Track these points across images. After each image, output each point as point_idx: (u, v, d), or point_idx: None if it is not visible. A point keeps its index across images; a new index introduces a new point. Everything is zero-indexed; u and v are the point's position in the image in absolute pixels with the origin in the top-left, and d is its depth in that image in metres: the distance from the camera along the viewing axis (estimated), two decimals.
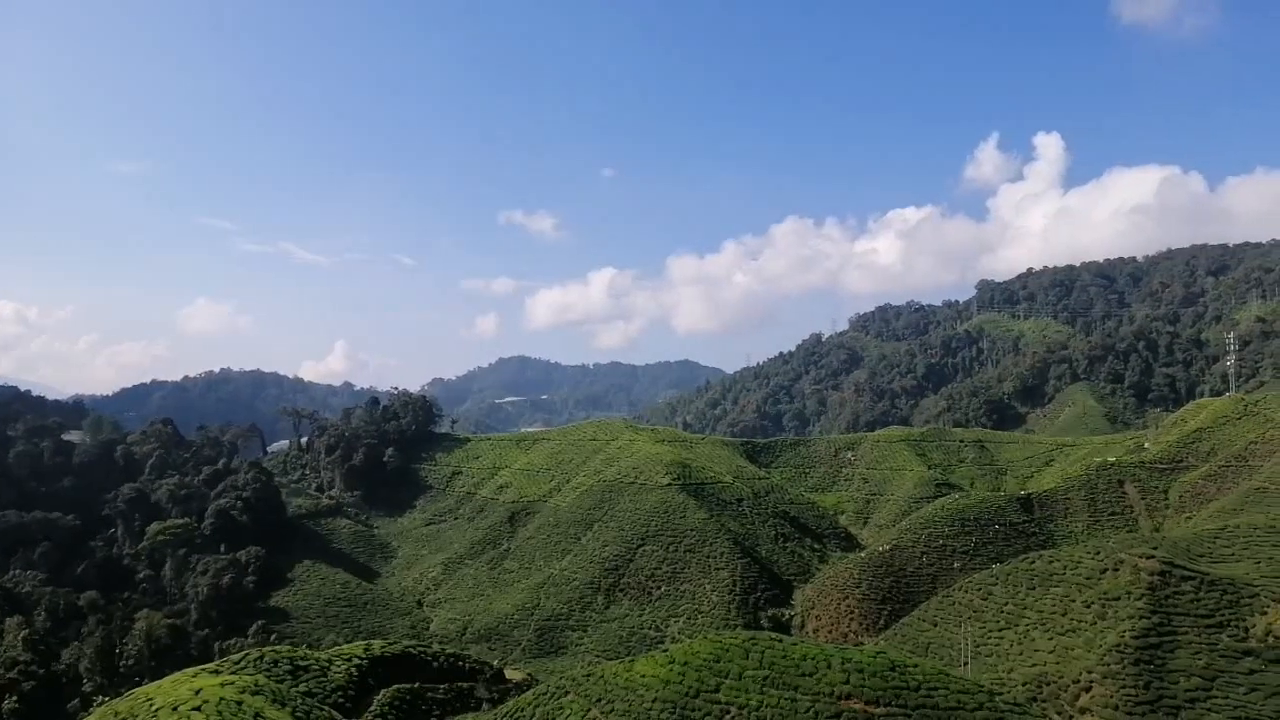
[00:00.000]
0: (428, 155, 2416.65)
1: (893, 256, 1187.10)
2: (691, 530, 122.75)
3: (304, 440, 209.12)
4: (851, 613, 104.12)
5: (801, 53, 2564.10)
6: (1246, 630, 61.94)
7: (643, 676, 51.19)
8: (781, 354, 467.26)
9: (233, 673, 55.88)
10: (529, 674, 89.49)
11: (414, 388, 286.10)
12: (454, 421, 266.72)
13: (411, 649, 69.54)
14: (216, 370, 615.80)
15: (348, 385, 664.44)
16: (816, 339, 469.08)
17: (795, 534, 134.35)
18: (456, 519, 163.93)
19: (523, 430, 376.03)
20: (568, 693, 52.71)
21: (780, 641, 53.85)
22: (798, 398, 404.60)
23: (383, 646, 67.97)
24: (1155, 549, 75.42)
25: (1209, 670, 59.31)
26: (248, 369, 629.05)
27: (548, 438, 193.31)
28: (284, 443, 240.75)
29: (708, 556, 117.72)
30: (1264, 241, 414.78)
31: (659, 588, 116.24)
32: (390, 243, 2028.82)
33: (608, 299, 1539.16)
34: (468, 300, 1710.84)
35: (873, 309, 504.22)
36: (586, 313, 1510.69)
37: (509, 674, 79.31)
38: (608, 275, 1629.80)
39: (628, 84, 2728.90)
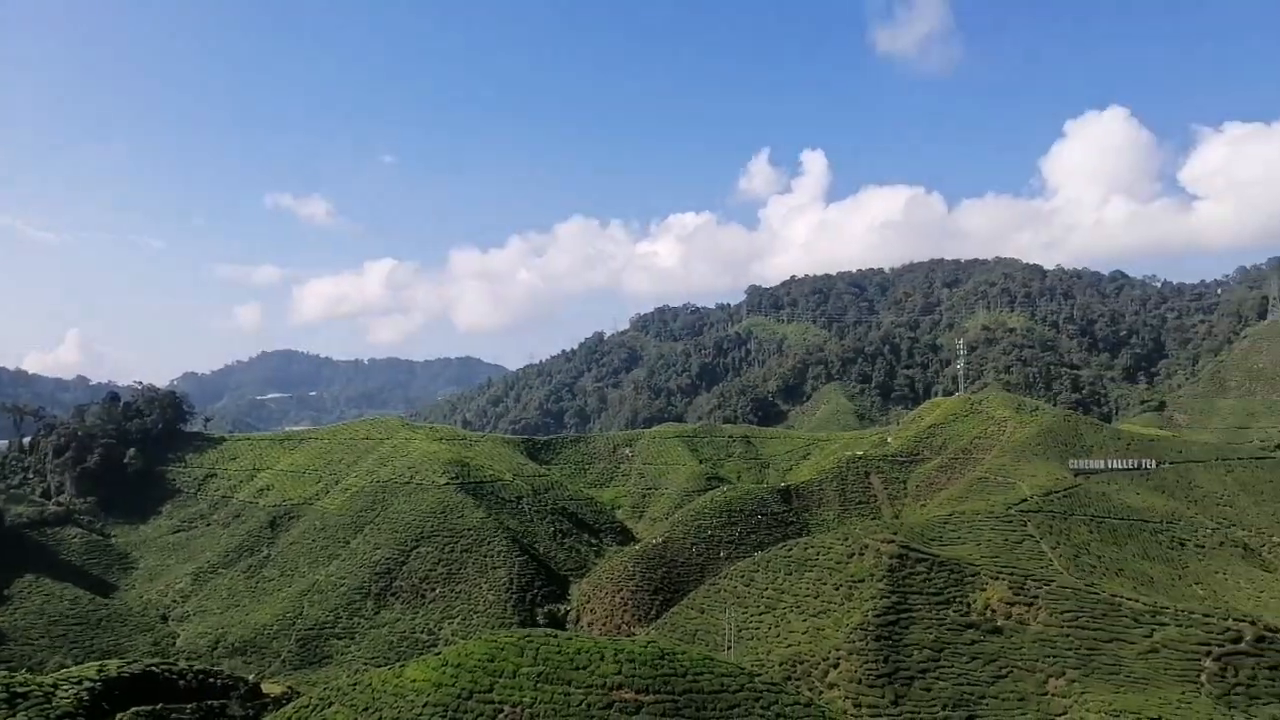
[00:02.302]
0: (183, 124, 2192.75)
1: (673, 260, 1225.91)
2: (469, 530, 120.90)
3: (27, 440, 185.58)
4: (625, 605, 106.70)
5: (592, 57, 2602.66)
6: (969, 606, 69.77)
7: (413, 681, 49.81)
8: (564, 352, 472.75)
9: None
10: (289, 687, 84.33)
11: (162, 382, 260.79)
12: (208, 419, 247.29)
13: (154, 668, 64.16)
14: None
15: (82, 379, 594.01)
16: (599, 338, 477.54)
17: (573, 530, 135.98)
18: (209, 525, 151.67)
19: (288, 429, 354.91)
20: (332, 703, 50.26)
21: (555, 637, 54.35)
22: (579, 395, 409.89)
23: (119, 666, 62.24)
24: (895, 534, 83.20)
25: (938, 643, 66.16)
26: None
27: (315, 436, 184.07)
28: (2, 443, 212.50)
29: (485, 556, 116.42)
30: (989, 259, 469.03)
31: (433, 590, 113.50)
32: (135, 222, 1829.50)
33: (386, 291, 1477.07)
34: (226, 288, 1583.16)
35: (652, 310, 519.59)
36: (362, 305, 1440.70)
37: (266, 688, 74.55)
38: (386, 266, 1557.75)
39: (411, 66, 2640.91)
